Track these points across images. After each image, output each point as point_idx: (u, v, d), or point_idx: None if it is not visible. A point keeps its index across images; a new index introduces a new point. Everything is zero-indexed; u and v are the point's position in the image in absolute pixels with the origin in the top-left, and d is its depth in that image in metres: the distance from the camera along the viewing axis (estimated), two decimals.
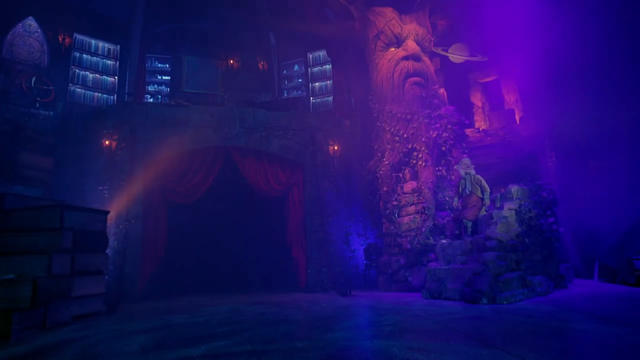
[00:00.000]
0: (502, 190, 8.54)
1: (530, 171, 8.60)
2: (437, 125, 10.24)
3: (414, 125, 10.29)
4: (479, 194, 8.29)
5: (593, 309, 5.74)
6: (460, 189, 8.73)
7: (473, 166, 8.62)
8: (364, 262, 11.13)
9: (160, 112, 11.16)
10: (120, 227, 10.23)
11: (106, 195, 10.48)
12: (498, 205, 8.04)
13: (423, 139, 10.13)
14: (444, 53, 12.69)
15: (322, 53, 14.35)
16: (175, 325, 5.89)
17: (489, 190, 8.31)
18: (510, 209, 7.40)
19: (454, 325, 4.91)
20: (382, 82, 10.90)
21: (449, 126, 10.23)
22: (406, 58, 10.72)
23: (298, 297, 9.43)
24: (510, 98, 13.35)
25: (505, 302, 6.43)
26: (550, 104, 11.53)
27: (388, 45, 11.06)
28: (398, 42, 10.97)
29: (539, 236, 7.64)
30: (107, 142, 10.66)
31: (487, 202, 8.15)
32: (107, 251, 10.19)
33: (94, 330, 5.73)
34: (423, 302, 7.26)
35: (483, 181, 8.42)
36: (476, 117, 13.29)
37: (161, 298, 10.28)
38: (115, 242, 10.21)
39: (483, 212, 8.24)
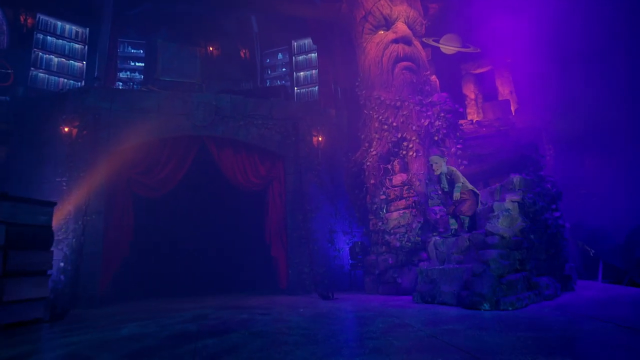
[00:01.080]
0: (498, 183, 7.54)
1: (531, 161, 7.60)
2: (429, 113, 9.21)
3: (404, 113, 9.25)
4: (469, 186, 7.25)
5: (615, 316, 4.71)
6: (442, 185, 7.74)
7: (445, 159, 7.61)
8: (350, 262, 10.05)
9: (128, 98, 9.98)
10: (80, 222, 9.03)
11: (65, 188, 9.26)
12: (498, 197, 7.02)
13: (414, 127, 9.10)
14: (435, 44, 11.74)
15: (307, 41, 13.28)
16: (113, 340, 4.74)
17: (460, 181, 7.24)
18: (513, 201, 6.38)
19: (454, 340, 3.84)
20: (370, 66, 9.85)
21: (442, 114, 9.21)
22: (396, 41, 9.70)
23: (277, 300, 8.32)
24: (504, 90, 12.42)
25: (510, 308, 5.39)
26: (547, 95, 10.60)
27: (377, 28, 10.03)
28: (387, 24, 9.94)
29: (544, 232, 6.63)
30: (66, 129, 9.45)
31: (457, 195, 7.12)
32: (62, 249, 9.06)
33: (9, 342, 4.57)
34: (414, 307, 6.19)
35: (455, 173, 7.39)
36: (469, 110, 12.32)
37: (126, 301, 9.10)
38: (74, 240, 9.02)
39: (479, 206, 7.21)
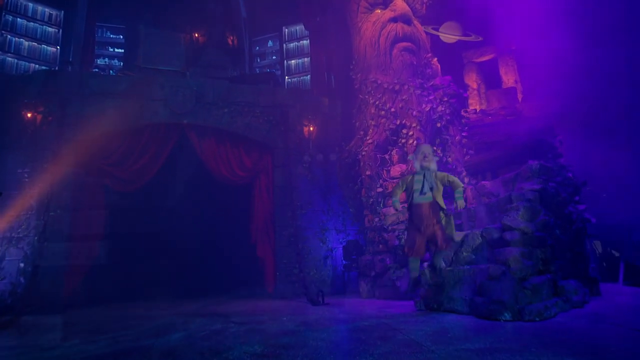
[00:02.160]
0: (511, 172, 6.47)
1: (548, 146, 6.52)
2: (430, 97, 8.14)
3: (404, 98, 8.17)
4: (440, 200, 5.37)
5: None
6: (402, 188, 5.64)
7: (437, 157, 5.81)
8: (343, 262, 8.93)
9: (100, 82, 8.85)
10: (42, 218, 7.89)
11: (26, 180, 8.12)
12: (513, 187, 5.93)
13: (414, 113, 8.02)
14: (435, 32, 10.69)
15: (299, 27, 12.19)
16: None
17: (462, 185, 5.48)
18: (533, 190, 5.29)
19: None
20: (366, 47, 8.77)
21: (445, 99, 8.13)
22: (394, 20, 8.62)
23: (260, 306, 7.20)
24: (508, 79, 11.37)
25: (537, 319, 4.29)
26: (557, 82, 9.52)
27: (373, 6, 8.95)
28: (385, 1, 8.87)
29: (569, 227, 5.56)
30: (29, 115, 8.31)
31: (461, 203, 5.32)
32: (22, 248, 7.91)
33: None
34: (418, 316, 5.09)
35: (451, 177, 5.50)
36: (471, 100, 11.24)
37: (97, 306, 7.95)
38: (35, 238, 7.88)
39: (453, 232, 5.51)
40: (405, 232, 6.12)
